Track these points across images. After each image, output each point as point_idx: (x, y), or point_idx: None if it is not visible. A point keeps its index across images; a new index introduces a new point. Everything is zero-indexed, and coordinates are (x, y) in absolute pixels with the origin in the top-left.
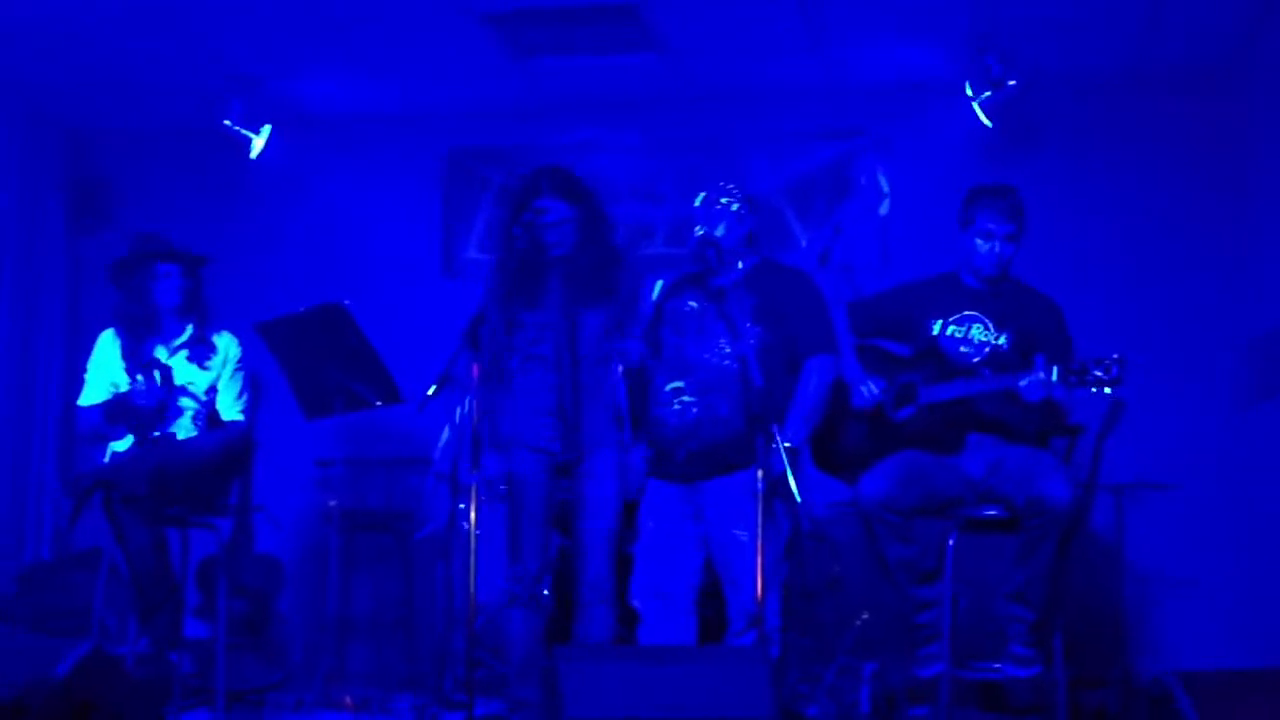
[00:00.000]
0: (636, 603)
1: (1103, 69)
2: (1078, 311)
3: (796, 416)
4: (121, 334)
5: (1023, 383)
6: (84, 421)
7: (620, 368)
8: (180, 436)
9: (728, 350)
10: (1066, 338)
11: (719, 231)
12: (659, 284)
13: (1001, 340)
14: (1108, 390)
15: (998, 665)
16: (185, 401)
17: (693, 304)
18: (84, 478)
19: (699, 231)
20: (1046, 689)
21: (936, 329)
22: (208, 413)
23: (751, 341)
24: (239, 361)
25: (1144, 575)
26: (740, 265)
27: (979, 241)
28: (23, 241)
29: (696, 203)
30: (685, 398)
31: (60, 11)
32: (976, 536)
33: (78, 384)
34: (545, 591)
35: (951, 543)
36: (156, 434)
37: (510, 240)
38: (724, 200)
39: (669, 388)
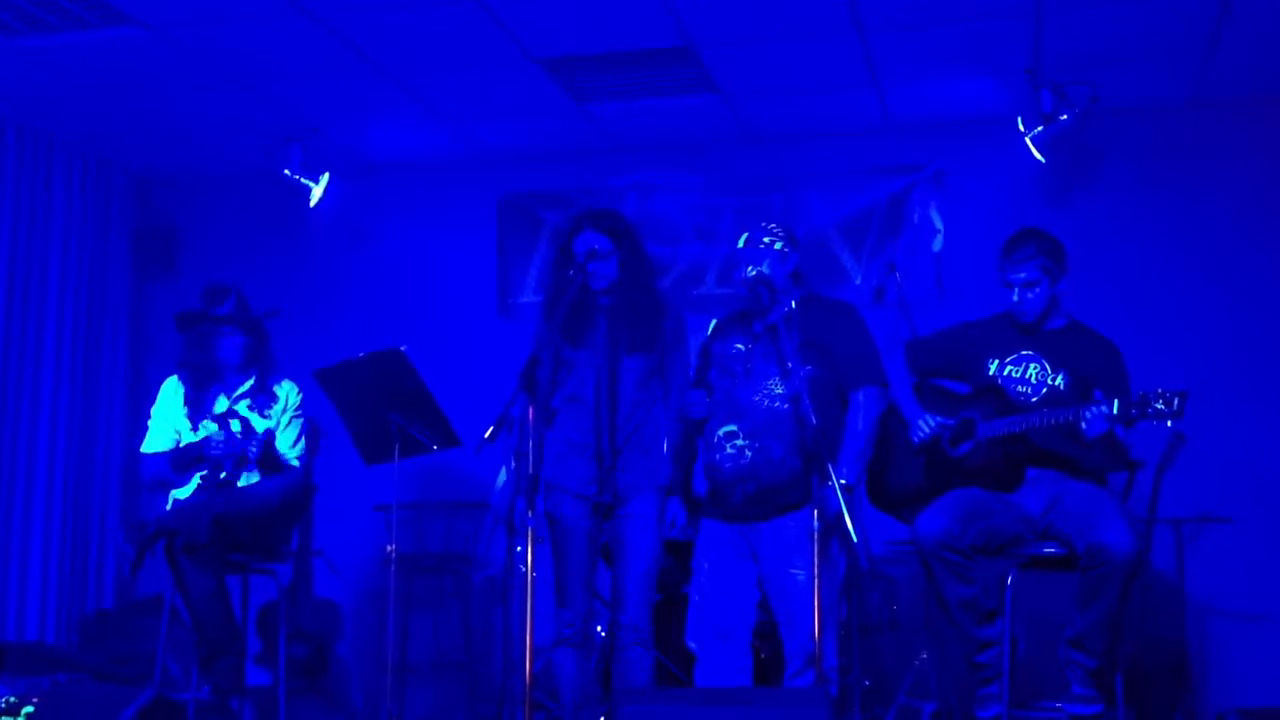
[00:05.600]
0: (693, 644)
1: (1161, 99)
2: (1137, 341)
3: (849, 454)
4: (185, 381)
5: (1085, 416)
6: (147, 469)
7: (682, 418)
8: (240, 484)
9: (779, 391)
10: (1124, 380)
11: (766, 269)
12: (713, 323)
13: (1059, 381)
14: (1169, 423)
15: (1059, 705)
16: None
17: (739, 346)
18: (146, 525)
19: (750, 271)
20: None
21: (993, 369)
22: (260, 456)
23: (803, 379)
24: (298, 408)
25: (1205, 610)
26: (792, 304)
27: (1011, 292)
28: (89, 287)
29: (740, 243)
30: (739, 441)
31: (127, 63)
32: (1036, 573)
33: (140, 430)
34: (600, 630)
35: (1010, 581)
36: (224, 476)
37: (560, 281)
38: (767, 239)
39: (722, 431)
